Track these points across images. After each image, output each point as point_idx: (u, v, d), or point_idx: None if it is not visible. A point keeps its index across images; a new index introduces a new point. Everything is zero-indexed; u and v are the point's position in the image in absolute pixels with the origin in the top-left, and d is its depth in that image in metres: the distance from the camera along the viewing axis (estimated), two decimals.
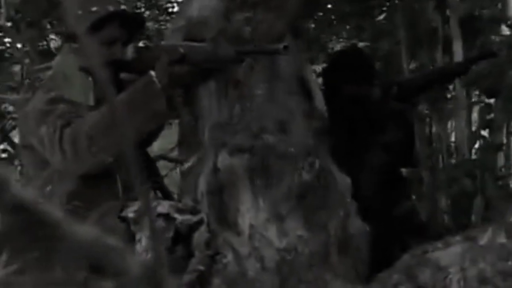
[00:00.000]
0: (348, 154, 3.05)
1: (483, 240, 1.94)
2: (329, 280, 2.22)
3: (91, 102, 2.26)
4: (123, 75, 2.33)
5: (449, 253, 1.97)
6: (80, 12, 2.46)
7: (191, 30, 2.20)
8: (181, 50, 2.09)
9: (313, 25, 4.60)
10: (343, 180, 2.43)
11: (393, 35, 4.00)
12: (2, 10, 3.70)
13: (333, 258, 2.26)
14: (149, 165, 2.68)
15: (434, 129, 3.96)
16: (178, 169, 3.00)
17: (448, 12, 3.76)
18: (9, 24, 4.15)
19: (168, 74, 2.12)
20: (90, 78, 2.26)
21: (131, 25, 2.51)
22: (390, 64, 4.12)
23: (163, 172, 3.74)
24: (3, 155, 4.51)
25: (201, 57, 2.07)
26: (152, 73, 2.16)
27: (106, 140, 2.18)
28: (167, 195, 2.51)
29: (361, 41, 4.49)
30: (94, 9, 2.45)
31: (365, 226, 2.43)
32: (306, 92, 2.42)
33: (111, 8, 2.47)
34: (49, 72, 2.30)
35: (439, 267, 1.94)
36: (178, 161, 4.65)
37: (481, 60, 3.38)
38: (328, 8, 4.51)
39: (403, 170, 3.48)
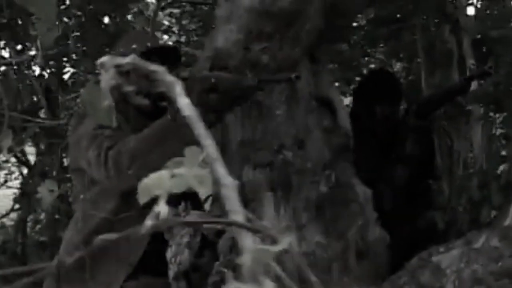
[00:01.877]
0: (372, 169, 3.27)
1: (478, 243, 2.13)
2: (348, 283, 2.43)
3: (114, 125, 2.53)
4: (162, 103, 2.59)
5: (449, 256, 2.16)
6: (122, 49, 2.77)
7: (217, 59, 2.43)
8: (212, 80, 2.31)
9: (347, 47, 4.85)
10: (364, 192, 2.63)
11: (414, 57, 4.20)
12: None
13: (351, 263, 2.45)
14: None
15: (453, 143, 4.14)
16: None
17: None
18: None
19: (201, 101, 2.35)
20: (113, 104, 2.52)
21: (169, 58, 2.79)
22: (410, 83, 4.32)
23: None
24: None
25: (229, 85, 2.28)
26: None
27: (145, 160, 2.43)
28: (198, 206, 2.75)
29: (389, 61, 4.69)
30: (134, 46, 2.74)
31: (384, 234, 2.63)
32: (328, 111, 2.64)
33: (149, 44, 2.76)
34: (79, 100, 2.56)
35: (439, 269, 2.14)
36: None
37: (477, 78, 3.59)
38: (361, 32, 4.75)
39: (427, 182, 3.67)
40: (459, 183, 3.44)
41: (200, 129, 0.78)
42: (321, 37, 2.52)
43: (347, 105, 4.09)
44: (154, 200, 2.31)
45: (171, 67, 2.77)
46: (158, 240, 2.39)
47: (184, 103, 0.80)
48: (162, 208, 0.79)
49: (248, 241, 0.69)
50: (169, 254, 2.21)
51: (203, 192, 0.81)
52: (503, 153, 3.76)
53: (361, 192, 2.62)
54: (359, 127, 3.04)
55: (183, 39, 6.31)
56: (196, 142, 2.36)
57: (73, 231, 2.69)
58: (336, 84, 5.31)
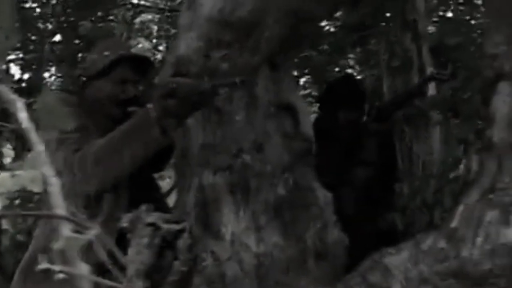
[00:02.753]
0: (334, 173, 3.37)
1: (426, 244, 2.22)
2: (306, 284, 2.51)
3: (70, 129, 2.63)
4: (131, 109, 2.66)
5: (398, 257, 2.24)
6: (95, 56, 2.86)
7: (179, 66, 2.51)
8: (172, 85, 2.38)
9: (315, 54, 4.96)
10: (324, 196, 2.69)
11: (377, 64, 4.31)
12: None
13: (310, 264, 2.52)
14: (151, 183, 3.04)
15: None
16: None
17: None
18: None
19: (161, 106, 2.41)
20: (69, 109, 2.62)
21: (141, 66, 2.87)
22: (375, 89, 4.43)
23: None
24: None
25: (187, 91, 2.35)
26: (149, 106, 2.46)
27: (108, 164, 2.50)
28: (164, 209, 2.82)
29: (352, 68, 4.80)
30: (106, 53, 2.82)
31: (343, 236, 2.69)
32: (290, 116, 2.72)
33: (121, 52, 2.84)
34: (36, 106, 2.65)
35: (388, 269, 2.22)
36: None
37: (433, 81, 3.71)
38: (330, 40, 4.86)
39: (389, 184, 3.77)
40: (415, 185, 3.54)
41: (34, 138, 0.93)
42: (285, 44, 2.60)
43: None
44: (118, 203, 2.39)
45: (142, 74, 2.87)
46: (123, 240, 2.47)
47: (23, 117, 0.93)
48: None
49: (65, 231, 0.82)
50: (129, 254, 2.29)
51: (36, 189, 0.97)
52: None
53: (321, 196, 2.68)
54: (323, 132, 3.13)
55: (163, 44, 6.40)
56: (161, 143, 2.43)
57: (41, 231, 2.77)
58: (307, 90, 5.43)
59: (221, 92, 2.32)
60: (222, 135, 2.50)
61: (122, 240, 2.46)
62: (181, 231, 2.32)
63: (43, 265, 0.80)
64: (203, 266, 2.37)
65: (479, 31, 4.23)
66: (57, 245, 0.85)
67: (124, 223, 2.30)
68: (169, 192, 4.08)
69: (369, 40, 4.59)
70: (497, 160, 2.24)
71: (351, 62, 5.05)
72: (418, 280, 2.14)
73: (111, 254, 1.12)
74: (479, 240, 2.11)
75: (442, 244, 2.18)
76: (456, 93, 3.38)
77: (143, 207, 2.38)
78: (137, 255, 2.25)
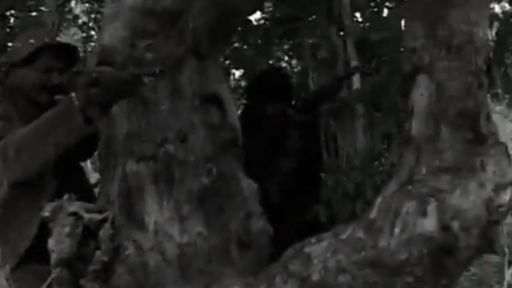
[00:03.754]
0: (260, 163, 3.39)
1: (345, 234, 2.26)
2: (229, 273, 2.52)
3: None
4: (57, 97, 2.63)
5: (318, 247, 2.28)
6: (19, 44, 2.82)
7: (104, 55, 2.50)
8: (95, 74, 2.36)
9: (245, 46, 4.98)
10: (249, 186, 2.70)
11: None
12: None
13: (233, 254, 2.53)
14: (77, 173, 3.02)
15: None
16: None
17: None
18: None
19: (84, 95, 2.39)
20: None
21: (66, 55, 2.85)
22: (299, 82, 4.49)
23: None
24: None
25: (109, 80, 2.34)
26: (73, 94, 2.44)
27: (31, 152, 2.48)
28: (90, 199, 2.80)
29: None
30: (31, 41, 2.79)
31: (268, 227, 2.70)
32: (216, 107, 2.73)
33: (46, 40, 2.81)
34: None
35: (308, 259, 2.26)
36: None
37: (350, 77, 3.78)
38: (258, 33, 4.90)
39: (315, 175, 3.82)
40: (337, 178, 3.60)
41: None
42: (212, 35, 2.61)
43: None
44: (40, 192, 2.36)
45: (67, 63, 2.84)
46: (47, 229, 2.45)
47: None
48: None
49: None
50: (50, 242, 2.28)
51: None
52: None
53: (246, 186, 2.70)
54: (249, 123, 3.15)
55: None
56: (85, 131, 2.41)
57: None
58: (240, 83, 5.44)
59: (145, 82, 2.32)
60: (147, 124, 2.50)
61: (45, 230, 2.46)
62: (103, 221, 2.32)
63: None
64: (126, 255, 2.36)
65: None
66: None
67: (46, 212, 2.29)
68: (97, 183, 4.04)
69: (297, 33, 4.64)
70: (416, 153, 2.29)
71: (280, 54, 5.09)
72: (336, 269, 2.17)
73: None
74: (396, 230, 2.15)
75: (360, 234, 2.22)
76: (379, 86, 3.46)
77: (65, 196, 2.37)
78: (58, 245, 2.24)
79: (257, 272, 2.48)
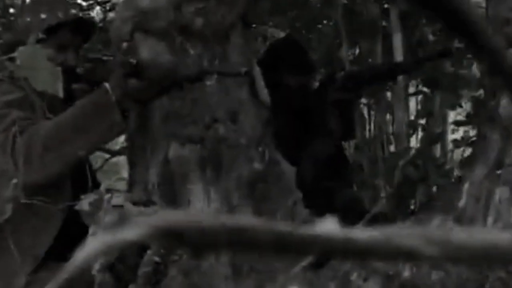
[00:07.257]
0: (290, 144, 3.09)
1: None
2: (281, 269, 2.25)
3: (61, 93, 2.20)
4: (75, 86, 2.32)
5: None
6: (28, 19, 2.46)
7: (140, 21, 2.14)
8: (134, 62, 2.04)
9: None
10: (289, 170, 2.45)
11: (331, 26, 4.04)
12: None
13: None
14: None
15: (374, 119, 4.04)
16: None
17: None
18: None
19: (123, 87, 2.08)
20: (59, 69, 2.20)
21: (83, 30, 2.51)
22: (330, 54, 4.15)
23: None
24: None
25: (161, 74, 2.04)
26: (107, 85, 2.12)
27: (60, 151, 2.15)
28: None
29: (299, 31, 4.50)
30: (44, 16, 2.43)
31: (309, 214, 2.46)
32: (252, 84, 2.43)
33: (61, 15, 2.45)
34: (16, 63, 2.22)
35: None
36: (114, 153, 4.64)
37: (435, 59, 3.45)
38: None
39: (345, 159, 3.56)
40: (388, 161, 3.33)
41: None
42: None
43: None
44: (57, 190, 2.01)
45: (85, 40, 2.50)
46: (72, 226, 2.16)
47: None
48: None
49: None
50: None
51: None
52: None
53: (287, 170, 2.43)
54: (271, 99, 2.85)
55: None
56: (121, 131, 2.05)
57: None
58: None
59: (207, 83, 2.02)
60: (192, 103, 2.17)
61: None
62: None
63: None
64: (179, 255, 2.05)
65: None
66: None
67: (84, 206, 1.96)
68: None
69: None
70: (504, 134, 2.08)
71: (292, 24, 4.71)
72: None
73: None
74: (489, 219, 1.99)
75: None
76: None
77: (102, 186, 2.06)
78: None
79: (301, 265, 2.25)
